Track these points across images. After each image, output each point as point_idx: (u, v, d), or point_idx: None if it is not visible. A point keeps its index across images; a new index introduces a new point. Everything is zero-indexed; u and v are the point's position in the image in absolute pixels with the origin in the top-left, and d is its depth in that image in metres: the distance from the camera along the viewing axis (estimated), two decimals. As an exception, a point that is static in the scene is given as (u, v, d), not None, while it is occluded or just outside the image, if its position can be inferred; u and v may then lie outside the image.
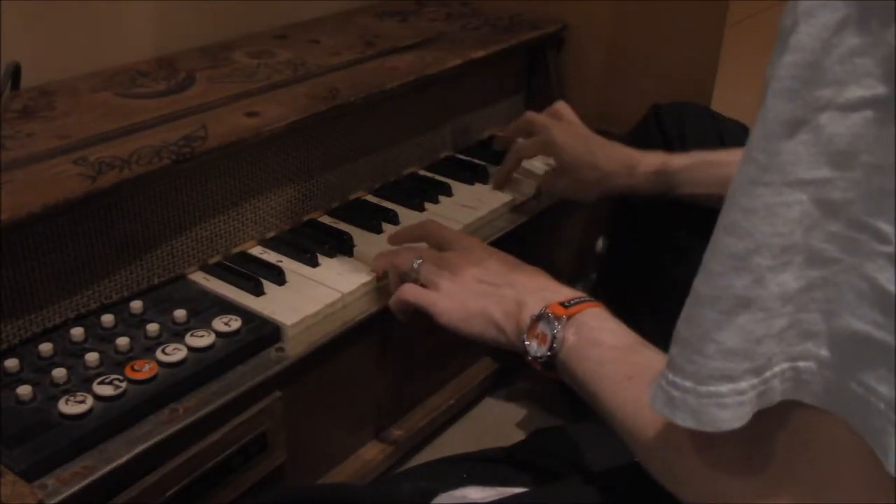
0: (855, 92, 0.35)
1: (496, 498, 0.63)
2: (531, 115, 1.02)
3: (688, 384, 0.42)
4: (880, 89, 0.35)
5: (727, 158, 0.88)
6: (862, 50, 0.35)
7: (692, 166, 0.90)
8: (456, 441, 0.98)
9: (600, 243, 1.16)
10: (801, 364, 0.39)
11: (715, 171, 0.88)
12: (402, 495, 0.64)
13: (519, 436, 0.75)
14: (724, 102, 1.09)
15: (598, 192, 0.97)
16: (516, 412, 1.04)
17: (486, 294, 0.71)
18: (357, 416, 0.88)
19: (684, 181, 0.91)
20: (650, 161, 0.94)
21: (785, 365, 0.40)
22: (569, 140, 0.97)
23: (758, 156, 0.38)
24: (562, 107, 1.02)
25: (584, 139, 0.97)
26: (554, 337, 0.63)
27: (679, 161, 0.92)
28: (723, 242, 0.40)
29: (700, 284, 0.41)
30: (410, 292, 0.74)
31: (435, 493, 0.65)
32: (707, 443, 0.45)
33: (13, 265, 0.70)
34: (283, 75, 0.96)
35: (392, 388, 0.92)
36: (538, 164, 1.08)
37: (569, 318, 0.63)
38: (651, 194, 0.95)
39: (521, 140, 1.04)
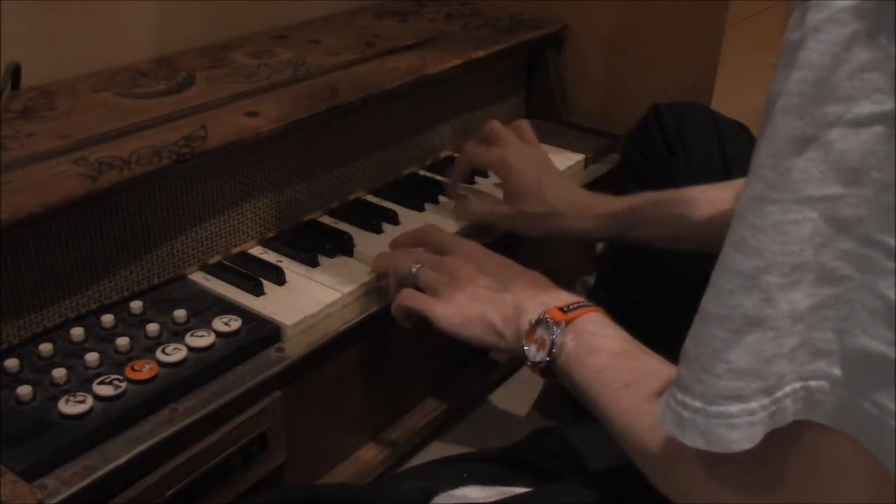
0: (865, 108, 0.35)
1: (496, 498, 0.63)
2: (495, 123, 0.97)
3: (697, 404, 0.41)
4: (890, 105, 0.34)
5: (676, 196, 0.84)
6: (871, 65, 0.35)
7: (641, 207, 0.86)
8: (456, 441, 0.98)
9: (600, 244, 1.16)
10: (814, 384, 0.39)
11: (663, 211, 0.84)
12: (401, 495, 0.64)
13: (519, 436, 0.75)
14: (724, 102, 1.09)
15: (541, 229, 0.91)
16: (516, 412, 1.04)
17: (485, 299, 0.70)
18: (357, 417, 0.88)
19: (634, 223, 0.86)
20: (601, 204, 0.89)
21: (797, 384, 0.39)
22: (522, 164, 0.92)
23: (766, 173, 0.38)
24: (524, 124, 0.98)
25: (537, 166, 0.92)
26: (553, 342, 0.62)
27: (628, 202, 0.87)
28: (732, 260, 0.39)
29: (709, 303, 0.41)
30: (409, 298, 0.74)
31: (435, 493, 0.65)
32: (713, 459, 0.45)
33: (13, 265, 0.70)
34: (283, 75, 0.96)
35: (392, 388, 0.92)
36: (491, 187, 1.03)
37: (568, 323, 0.63)
38: (603, 238, 0.90)
39: (472, 143, 0.97)
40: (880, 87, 0.35)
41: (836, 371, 0.38)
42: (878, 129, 0.35)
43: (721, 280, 0.40)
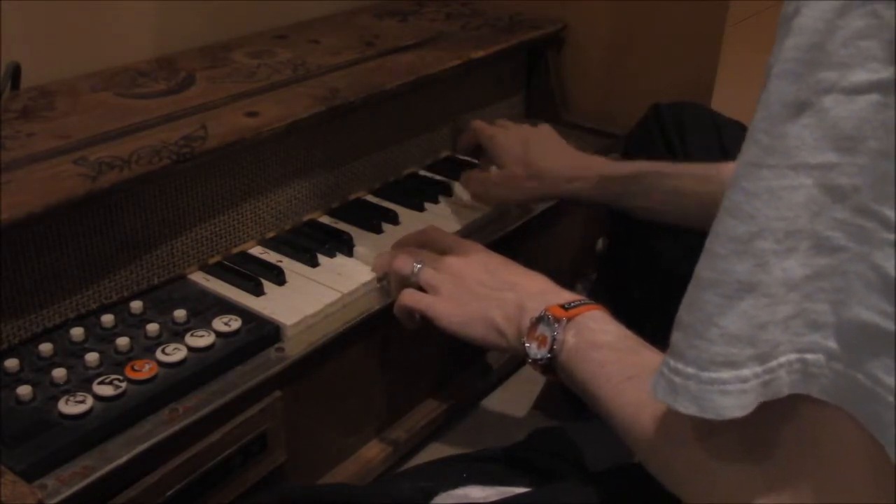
0: (860, 76, 0.35)
1: (496, 498, 0.63)
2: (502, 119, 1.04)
3: (690, 370, 0.41)
4: (885, 73, 0.34)
5: (676, 170, 0.85)
6: (866, 33, 0.34)
7: (638, 176, 0.86)
8: (456, 441, 0.98)
9: (600, 243, 1.16)
10: (810, 356, 0.39)
11: (663, 183, 0.85)
12: (402, 495, 0.64)
13: (519, 436, 0.75)
14: (724, 102, 1.09)
15: (529, 192, 0.94)
16: (516, 412, 1.04)
17: (486, 297, 0.70)
18: (357, 416, 0.88)
19: (629, 191, 0.87)
20: (593, 166, 0.90)
21: (792, 356, 0.39)
22: (507, 136, 0.97)
23: (761, 137, 0.38)
24: (504, 120, 1.03)
25: (524, 140, 0.96)
26: (554, 339, 0.62)
27: (624, 169, 0.88)
28: (725, 225, 0.39)
29: (702, 268, 0.41)
30: (410, 297, 0.74)
31: (435, 493, 0.65)
32: (710, 437, 0.45)
33: (13, 265, 0.70)
34: (283, 75, 0.96)
35: (392, 388, 0.92)
36: None
37: (569, 320, 0.63)
38: (595, 202, 0.91)
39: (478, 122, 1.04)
40: (875, 54, 0.34)
41: (832, 344, 0.38)
42: (873, 97, 0.35)
43: (715, 245, 0.40)
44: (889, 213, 0.35)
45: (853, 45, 0.35)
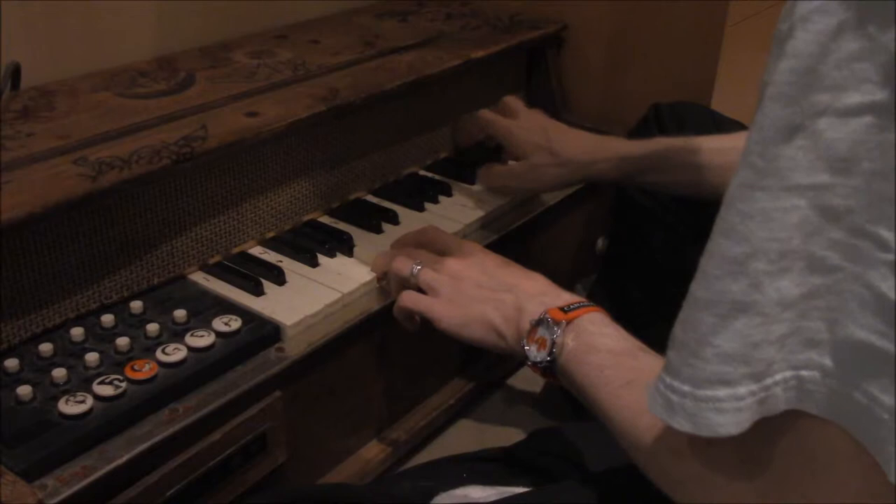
0: (854, 98, 0.35)
1: (496, 498, 0.63)
2: (510, 97, 1.04)
3: (685, 388, 0.42)
4: (879, 95, 0.34)
5: (691, 144, 0.88)
6: (860, 55, 0.35)
7: (656, 153, 0.89)
8: (456, 441, 0.98)
9: (600, 243, 1.16)
10: (805, 373, 0.39)
11: (679, 158, 0.88)
12: (402, 495, 0.65)
13: (519, 436, 0.75)
14: (724, 102, 1.09)
15: (555, 178, 0.96)
16: (516, 412, 1.04)
17: (485, 299, 0.70)
18: (357, 416, 0.88)
19: (648, 167, 0.90)
20: (612, 147, 0.93)
21: (788, 373, 0.39)
22: (526, 128, 0.97)
23: (755, 160, 0.38)
24: (511, 100, 1.03)
25: (542, 126, 0.97)
26: (553, 342, 0.62)
27: (642, 147, 0.91)
28: (720, 246, 0.40)
29: (697, 288, 0.41)
30: (409, 299, 0.74)
31: (435, 493, 0.65)
32: (706, 448, 0.45)
33: (13, 265, 0.70)
34: (283, 75, 0.96)
35: (392, 388, 0.92)
36: None
37: (568, 322, 0.63)
38: (614, 181, 0.95)
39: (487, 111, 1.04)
40: (869, 77, 0.35)
41: (828, 361, 0.38)
42: (867, 119, 0.35)
43: (709, 265, 0.40)
44: (884, 233, 0.35)
45: (847, 68, 0.35)
